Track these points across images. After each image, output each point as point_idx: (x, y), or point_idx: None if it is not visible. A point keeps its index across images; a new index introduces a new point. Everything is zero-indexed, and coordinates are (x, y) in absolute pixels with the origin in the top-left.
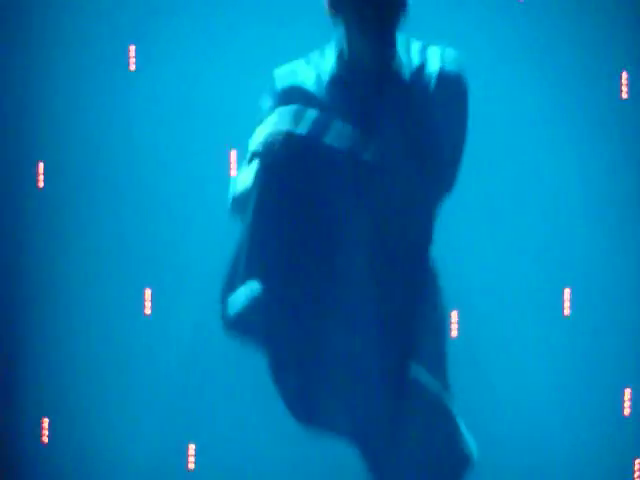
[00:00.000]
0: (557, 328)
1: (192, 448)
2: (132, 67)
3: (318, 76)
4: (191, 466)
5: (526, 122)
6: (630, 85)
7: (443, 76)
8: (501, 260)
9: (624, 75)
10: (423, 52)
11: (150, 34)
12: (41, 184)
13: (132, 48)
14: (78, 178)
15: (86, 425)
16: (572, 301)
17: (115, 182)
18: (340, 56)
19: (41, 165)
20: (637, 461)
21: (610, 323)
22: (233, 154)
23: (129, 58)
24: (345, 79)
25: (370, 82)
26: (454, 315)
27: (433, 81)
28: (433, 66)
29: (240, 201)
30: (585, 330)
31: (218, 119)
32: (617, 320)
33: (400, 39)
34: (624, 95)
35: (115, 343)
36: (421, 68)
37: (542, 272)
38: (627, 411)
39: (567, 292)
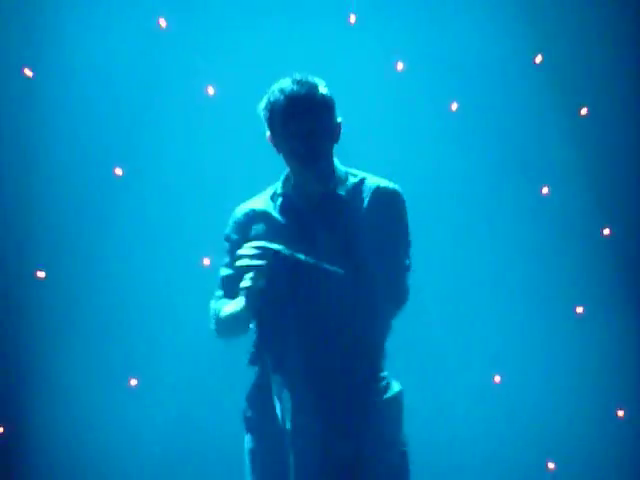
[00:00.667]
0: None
1: None
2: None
3: (271, 198)
4: None
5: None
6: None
7: (378, 193)
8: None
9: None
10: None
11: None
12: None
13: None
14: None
15: None
16: None
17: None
18: (287, 180)
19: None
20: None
21: None
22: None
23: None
24: (292, 198)
25: (312, 200)
26: None
27: (367, 197)
28: (369, 185)
29: (227, 325)
30: None
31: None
32: None
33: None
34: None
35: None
36: (358, 185)
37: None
38: None
39: None
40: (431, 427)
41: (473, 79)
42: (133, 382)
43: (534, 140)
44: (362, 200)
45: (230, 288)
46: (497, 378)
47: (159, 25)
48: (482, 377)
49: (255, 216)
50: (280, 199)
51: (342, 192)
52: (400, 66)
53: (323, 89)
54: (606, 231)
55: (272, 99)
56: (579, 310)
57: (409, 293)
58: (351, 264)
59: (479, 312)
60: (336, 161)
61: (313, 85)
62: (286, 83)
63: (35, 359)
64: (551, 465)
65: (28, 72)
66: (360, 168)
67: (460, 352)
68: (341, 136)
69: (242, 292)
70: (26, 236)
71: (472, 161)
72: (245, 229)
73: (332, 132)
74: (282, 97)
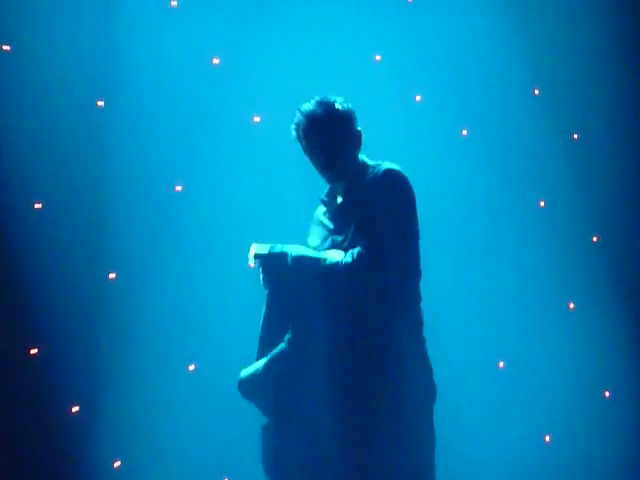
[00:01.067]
0: None
1: None
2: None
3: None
4: None
5: None
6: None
7: (374, 174)
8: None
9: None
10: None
11: None
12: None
13: None
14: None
15: None
16: None
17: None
18: (327, 194)
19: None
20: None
21: None
22: None
23: None
24: (325, 202)
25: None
26: None
27: (372, 184)
28: (376, 170)
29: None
30: None
31: None
32: None
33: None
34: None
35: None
36: (371, 174)
37: None
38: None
39: None
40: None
41: (481, 108)
42: (191, 367)
43: (532, 159)
44: (369, 187)
45: None
46: (501, 364)
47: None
48: (488, 363)
49: (314, 217)
50: (320, 202)
51: (356, 185)
52: (418, 98)
53: (338, 106)
54: (595, 238)
55: (296, 120)
56: (571, 306)
57: (397, 274)
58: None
59: (485, 308)
60: (363, 157)
61: (329, 104)
62: (306, 104)
63: (107, 350)
64: (547, 438)
65: (100, 103)
66: None
67: (467, 343)
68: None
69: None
70: (99, 241)
71: (480, 177)
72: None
73: (347, 141)
74: (302, 116)
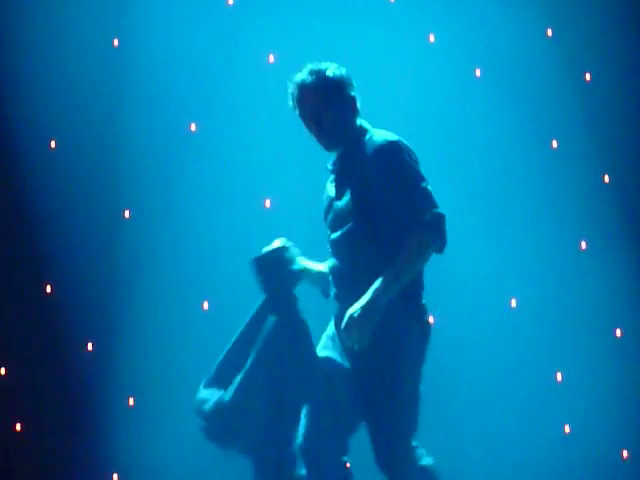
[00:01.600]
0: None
1: None
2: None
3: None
4: None
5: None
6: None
7: (373, 147)
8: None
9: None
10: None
11: None
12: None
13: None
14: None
15: None
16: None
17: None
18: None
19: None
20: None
21: None
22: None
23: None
24: (330, 166)
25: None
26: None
27: (368, 152)
28: (372, 141)
29: None
30: None
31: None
32: None
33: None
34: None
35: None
36: (367, 142)
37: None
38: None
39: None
40: (454, 347)
41: (494, 49)
42: (205, 305)
43: (545, 100)
44: (365, 155)
45: None
46: (513, 302)
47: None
48: (500, 303)
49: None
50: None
51: (353, 151)
52: (432, 38)
53: (330, 73)
54: (607, 178)
55: (290, 89)
56: (583, 245)
57: (435, 226)
58: (358, 216)
59: (498, 248)
60: (362, 122)
61: (319, 72)
62: (299, 73)
63: (122, 288)
64: (559, 376)
65: (116, 42)
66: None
67: (480, 282)
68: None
69: None
70: (115, 179)
71: (493, 118)
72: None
73: (339, 108)
74: (294, 86)
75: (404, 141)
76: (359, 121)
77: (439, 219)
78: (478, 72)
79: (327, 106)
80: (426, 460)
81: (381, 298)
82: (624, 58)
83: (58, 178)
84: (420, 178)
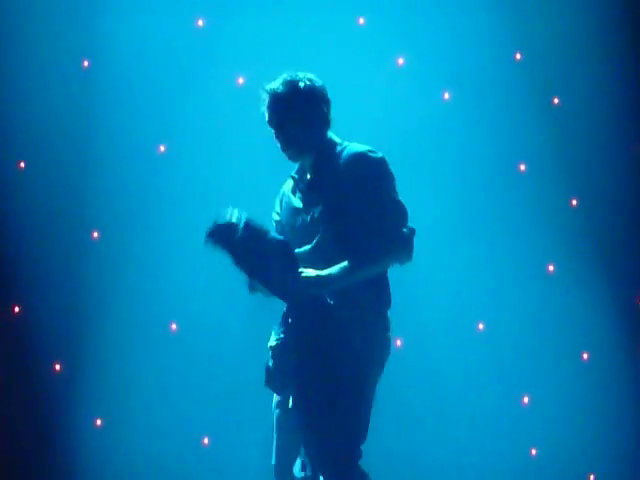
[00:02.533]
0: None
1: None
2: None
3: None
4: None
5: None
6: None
7: (347, 157)
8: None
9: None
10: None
11: None
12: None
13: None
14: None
15: None
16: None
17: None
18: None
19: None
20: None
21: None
22: None
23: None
24: (294, 177)
25: (304, 174)
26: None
27: (342, 163)
28: (346, 152)
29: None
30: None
31: None
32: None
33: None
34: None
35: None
36: (339, 153)
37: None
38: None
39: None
40: (422, 369)
41: (463, 72)
42: (173, 327)
43: (513, 123)
44: (339, 166)
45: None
46: (481, 326)
47: (197, 24)
48: (468, 326)
49: (282, 194)
50: (289, 179)
51: (324, 163)
52: (400, 61)
53: (302, 84)
54: (574, 201)
55: (262, 97)
56: (550, 268)
57: (396, 245)
58: (330, 228)
59: (464, 272)
60: (332, 135)
61: (292, 82)
62: (272, 82)
63: (90, 308)
64: (526, 399)
65: (85, 63)
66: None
67: (447, 307)
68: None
69: None
70: (83, 199)
71: (460, 140)
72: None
73: (308, 120)
74: (266, 94)
75: (381, 154)
76: (329, 134)
77: (410, 235)
78: (447, 95)
79: (292, 117)
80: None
81: (329, 281)
82: (591, 82)
83: (27, 199)
84: (394, 191)
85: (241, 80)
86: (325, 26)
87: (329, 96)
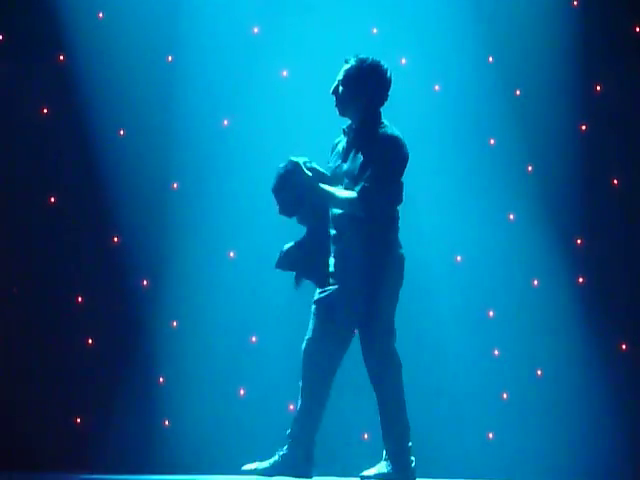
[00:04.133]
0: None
1: None
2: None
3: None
4: None
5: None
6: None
7: (382, 136)
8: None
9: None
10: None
11: None
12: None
13: None
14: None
15: None
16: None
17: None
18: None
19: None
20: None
21: None
22: None
23: None
24: (345, 132)
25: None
26: None
27: (380, 138)
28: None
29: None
30: None
31: None
32: None
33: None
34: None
35: None
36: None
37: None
38: None
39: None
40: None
41: (449, 72)
42: (231, 255)
43: (486, 109)
44: (376, 138)
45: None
46: (458, 258)
47: (253, 32)
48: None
49: (334, 144)
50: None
51: (366, 131)
52: (403, 61)
53: (368, 63)
54: (530, 168)
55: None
56: (511, 217)
57: (378, 202)
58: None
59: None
60: (382, 114)
61: (363, 59)
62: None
63: (174, 235)
64: (491, 313)
65: (169, 58)
66: None
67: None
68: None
69: None
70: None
71: (449, 124)
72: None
73: (353, 94)
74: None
75: (405, 141)
76: (379, 111)
77: (385, 207)
78: (437, 87)
79: (348, 83)
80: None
81: (317, 191)
82: (544, 77)
83: (124, 156)
84: (401, 173)
85: (285, 73)
86: (347, 31)
87: (388, 80)
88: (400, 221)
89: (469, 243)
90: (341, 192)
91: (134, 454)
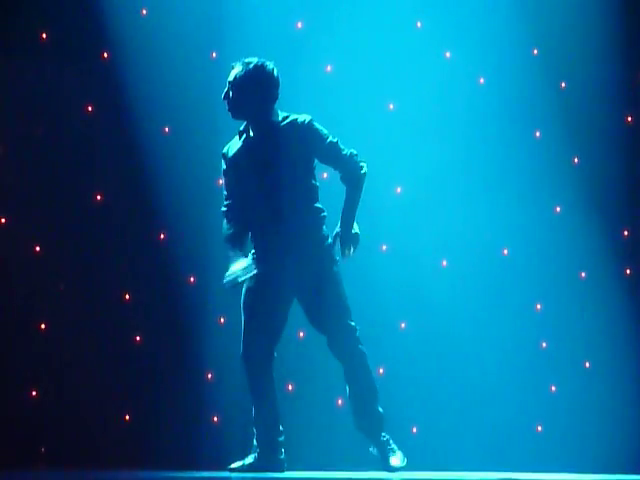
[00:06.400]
0: None
1: None
2: None
3: (237, 142)
4: None
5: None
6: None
7: (294, 124)
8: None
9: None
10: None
11: None
12: None
13: None
14: None
15: None
16: None
17: None
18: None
19: None
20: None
21: None
22: None
23: None
24: (243, 133)
25: (259, 135)
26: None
27: (289, 127)
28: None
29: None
30: None
31: None
32: None
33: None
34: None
35: None
36: (281, 121)
37: None
38: None
39: None
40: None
41: (494, 63)
42: None
43: (532, 102)
44: (289, 129)
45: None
46: (505, 251)
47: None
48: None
49: (229, 147)
50: (242, 135)
51: (264, 128)
52: (448, 54)
53: (241, 68)
54: (575, 160)
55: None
56: (557, 209)
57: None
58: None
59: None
60: (277, 109)
61: (239, 65)
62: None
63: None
64: (538, 306)
65: (214, 55)
66: None
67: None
68: None
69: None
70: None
71: (489, 121)
72: (225, 157)
73: (243, 97)
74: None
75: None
76: (273, 107)
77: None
78: (482, 80)
79: (237, 87)
80: None
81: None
82: (589, 70)
83: (168, 153)
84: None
85: (329, 68)
86: (391, 25)
87: (276, 78)
88: (446, 214)
89: (516, 236)
90: (350, 195)
91: (183, 451)
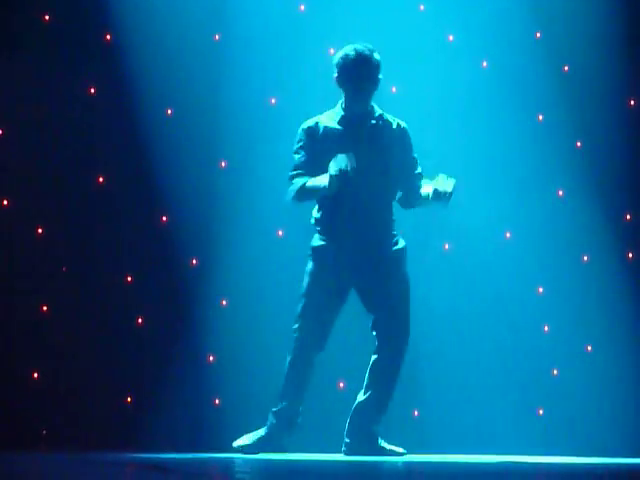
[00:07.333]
0: None
1: None
2: None
3: (331, 119)
4: None
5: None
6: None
7: (398, 128)
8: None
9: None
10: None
11: None
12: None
13: None
14: None
15: None
16: None
17: None
18: (344, 109)
19: None
20: None
21: None
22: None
23: None
24: (345, 121)
25: (356, 117)
26: None
27: (393, 128)
28: (392, 118)
29: (309, 193)
30: None
31: None
32: None
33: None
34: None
35: None
36: (382, 115)
37: None
38: None
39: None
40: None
41: (497, 47)
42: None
43: (534, 85)
44: (388, 125)
45: (306, 168)
46: (508, 234)
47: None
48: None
49: (320, 124)
50: (340, 113)
51: (374, 115)
52: (451, 38)
53: (376, 55)
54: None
55: (347, 52)
56: (560, 193)
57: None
58: (380, 165)
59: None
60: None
61: (371, 51)
62: (358, 46)
63: (222, 217)
64: (540, 289)
65: (217, 37)
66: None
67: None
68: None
69: (331, 177)
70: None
71: (496, 100)
72: (314, 132)
73: (376, 82)
74: (354, 53)
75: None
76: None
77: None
78: (485, 64)
79: (372, 76)
80: None
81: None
82: (593, 53)
83: (171, 135)
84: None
85: (332, 51)
86: (394, 9)
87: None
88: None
89: (518, 219)
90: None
91: (184, 433)
